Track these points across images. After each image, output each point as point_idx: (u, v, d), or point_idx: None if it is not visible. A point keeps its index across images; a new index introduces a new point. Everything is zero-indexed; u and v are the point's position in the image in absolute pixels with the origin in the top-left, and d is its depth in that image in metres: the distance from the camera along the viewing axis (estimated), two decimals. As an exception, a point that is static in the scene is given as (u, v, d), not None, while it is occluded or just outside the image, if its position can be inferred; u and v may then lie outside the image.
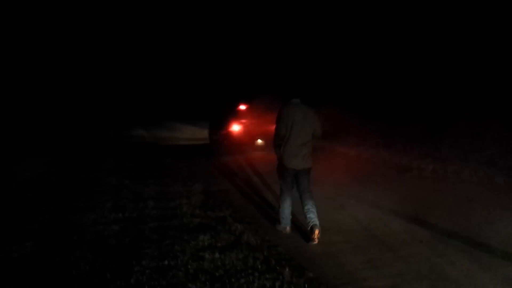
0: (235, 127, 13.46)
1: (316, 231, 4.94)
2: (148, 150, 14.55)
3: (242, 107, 14.90)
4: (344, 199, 7.12)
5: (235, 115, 14.10)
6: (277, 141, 5.44)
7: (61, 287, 3.64)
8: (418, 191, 7.71)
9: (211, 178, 9.21)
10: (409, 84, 14.32)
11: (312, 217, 5.08)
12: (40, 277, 3.80)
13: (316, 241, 4.93)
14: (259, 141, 13.59)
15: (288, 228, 5.35)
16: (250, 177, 9.46)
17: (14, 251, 4.36)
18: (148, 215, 5.79)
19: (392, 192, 7.60)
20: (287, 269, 3.93)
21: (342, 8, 18.67)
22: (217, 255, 4.24)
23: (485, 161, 9.31)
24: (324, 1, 20.23)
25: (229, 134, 13.62)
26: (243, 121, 13.73)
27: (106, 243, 4.66)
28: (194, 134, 20.66)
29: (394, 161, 10.73)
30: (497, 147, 9.72)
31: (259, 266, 4.01)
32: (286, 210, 5.36)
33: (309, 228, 5.03)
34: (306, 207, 5.20)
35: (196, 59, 38.13)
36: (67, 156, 12.62)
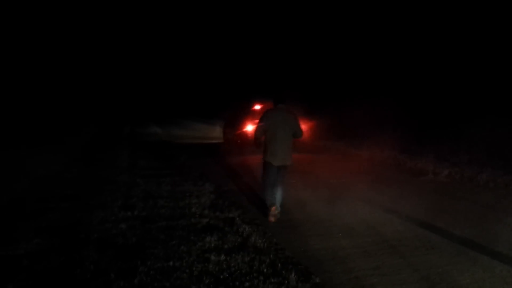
0: (250, 127, 13.42)
1: (273, 208, 5.85)
2: (161, 148, 14.60)
3: (257, 107, 14.88)
4: (356, 202, 7.01)
5: (250, 115, 14.08)
6: (255, 141, 6.28)
7: (63, 287, 3.64)
8: (432, 196, 7.55)
9: (223, 178, 9.18)
10: (425, 87, 14.10)
11: (277, 198, 5.98)
12: (43, 276, 3.81)
13: (272, 219, 5.82)
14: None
15: (272, 217, 5.90)
16: (259, 177, 9.39)
17: (21, 248, 4.39)
18: (157, 214, 5.78)
19: (406, 196, 7.46)
20: (293, 274, 3.86)
21: (361, 12, 18.48)
22: (222, 257, 4.20)
23: (502, 167, 9.10)
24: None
25: (244, 134, 13.60)
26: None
27: (113, 242, 4.66)
28: (208, 132, 20.68)
29: (409, 165, 10.57)
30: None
31: (265, 270, 3.95)
32: (270, 196, 6.00)
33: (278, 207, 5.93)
34: (276, 194, 6.00)
35: (213, 58, 38.26)
36: (83, 152, 12.74)
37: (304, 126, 14.02)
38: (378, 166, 11.22)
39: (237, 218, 5.64)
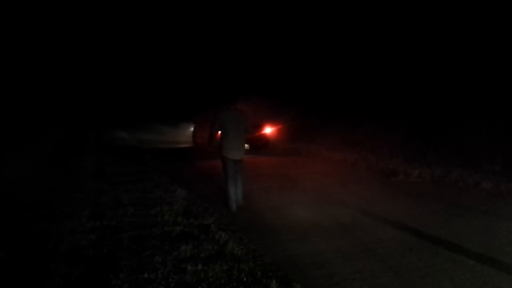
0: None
1: (233, 206, 6.68)
2: (129, 153, 14.22)
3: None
4: (330, 205, 6.97)
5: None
6: (209, 138, 6.89)
7: (31, 304, 3.38)
8: (405, 196, 7.61)
9: (195, 183, 8.98)
10: (393, 89, 14.29)
11: (239, 188, 6.81)
12: (9, 292, 3.54)
13: (234, 207, 6.65)
14: (245, 145, 13.43)
15: (234, 207, 6.68)
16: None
17: (-17, 263, 4.08)
18: (127, 223, 5.53)
19: (379, 197, 7.48)
20: (274, 282, 3.72)
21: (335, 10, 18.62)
22: (200, 266, 4.01)
23: (471, 167, 9.29)
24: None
25: (216, 138, 13.40)
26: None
27: (83, 253, 4.39)
28: (178, 137, 20.39)
29: (380, 166, 10.65)
30: (483, 152, 9.70)
31: (245, 279, 3.79)
32: (231, 192, 6.71)
33: (237, 200, 6.77)
34: (237, 185, 6.80)
35: (183, 61, 37.89)
36: (49, 158, 12.24)
37: (271, 129, 14.12)
38: (350, 167, 11.28)
39: (212, 225, 5.46)
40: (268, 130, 14.12)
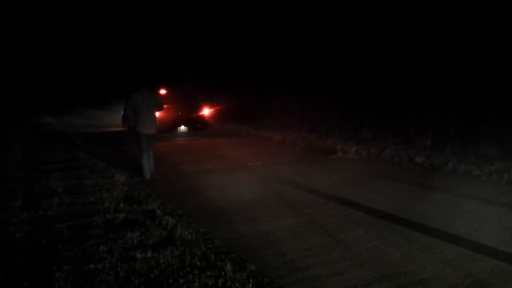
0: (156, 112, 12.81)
1: (148, 174, 7.61)
2: (58, 139, 13.39)
3: (162, 91, 14.31)
4: (277, 184, 6.99)
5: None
6: (124, 117, 7.98)
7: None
8: (345, 173, 7.81)
9: (133, 168, 8.62)
10: (328, 70, 14.57)
11: (151, 163, 7.74)
12: None
13: (148, 176, 7.58)
14: (182, 127, 13.15)
15: (148, 175, 7.60)
16: (176, 164, 9.02)
17: None
18: (65, 212, 5.18)
19: (321, 175, 7.63)
20: (228, 264, 3.65)
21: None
22: (149, 253, 3.84)
23: (404, 143, 9.73)
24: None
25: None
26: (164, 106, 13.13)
27: (20, 247, 4.05)
28: (108, 120, 19.54)
29: (318, 145, 10.86)
30: (414, 129, 10.20)
31: (198, 263, 3.68)
32: (145, 163, 7.63)
33: (151, 170, 7.71)
34: (150, 156, 7.71)
35: (111, 43, 36.33)
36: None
37: (209, 110, 13.95)
38: (290, 147, 11.42)
39: (158, 210, 5.26)
40: (207, 111, 13.91)
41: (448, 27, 10.49)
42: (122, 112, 8.12)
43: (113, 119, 19.22)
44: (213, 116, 15.88)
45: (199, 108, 13.86)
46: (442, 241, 4.30)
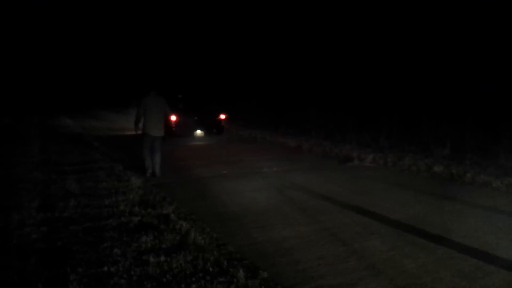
0: (173, 117, 12.90)
1: (149, 170, 8.15)
2: (76, 141, 13.56)
3: (179, 95, 14.42)
4: (290, 190, 6.96)
5: (173, 105, 13.57)
6: (136, 120, 8.29)
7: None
8: (361, 181, 7.73)
9: (150, 172, 8.65)
10: (346, 78, 14.52)
11: (157, 161, 8.17)
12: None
13: (149, 172, 8.10)
14: (199, 132, 13.19)
15: (149, 171, 8.14)
16: (191, 169, 9.04)
17: None
18: (81, 214, 5.24)
19: (336, 182, 7.56)
20: (240, 270, 3.63)
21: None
22: (162, 258, 3.85)
23: (422, 151, 9.59)
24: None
25: (167, 124, 13.03)
26: (181, 110, 13.22)
27: (35, 247, 4.10)
28: (126, 123, 19.69)
29: (335, 151, 10.78)
30: (432, 138, 10.06)
31: (210, 269, 3.68)
32: (148, 161, 8.17)
33: (155, 170, 8.17)
34: (155, 160, 8.16)
35: (131, 47, 36.91)
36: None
37: (225, 116, 13.96)
38: (306, 153, 11.35)
39: (172, 214, 5.28)
40: (223, 116, 13.94)
41: (468, 34, 10.36)
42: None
43: (131, 122, 19.38)
44: (229, 121, 15.90)
45: (215, 113, 13.90)
46: (458, 253, 4.22)
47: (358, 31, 15.45)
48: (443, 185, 7.38)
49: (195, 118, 13.33)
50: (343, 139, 12.17)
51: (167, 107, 8.40)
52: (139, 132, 8.32)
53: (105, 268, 3.62)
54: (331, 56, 15.98)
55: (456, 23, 10.58)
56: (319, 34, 17.17)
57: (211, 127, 13.58)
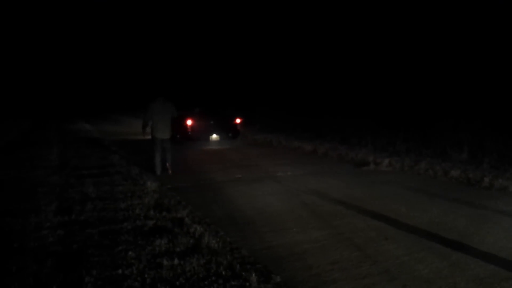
0: (189, 122, 13.01)
1: (167, 164, 8.91)
2: (93, 145, 13.77)
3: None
4: (304, 195, 6.94)
5: (189, 110, 13.70)
6: (143, 124, 8.99)
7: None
8: (377, 185, 7.67)
9: (165, 175, 8.75)
10: (363, 82, 14.45)
11: (168, 158, 8.88)
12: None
13: (158, 173, 8.71)
14: (214, 136, 13.25)
15: (158, 171, 8.71)
16: (206, 173, 9.09)
17: None
18: (97, 217, 5.31)
19: (351, 187, 7.51)
20: (253, 274, 3.64)
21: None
22: (176, 261, 3.88)
23: (439, 156, 9.48)
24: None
25: (183, 129, 13.16)
26: (196, 115, 13.34)
27: (51, 250, 4.17)
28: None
29: (350, 155, 10.72)
30: (449, 142, 9.92)
31: (223, 272, 3.69)
32: (158, 162, 8.77)
33: (166, 167, 8.90)
34: (166, 158, 8.86)
35: (147, 53, 37.50)
36: (9, 150, 11.69)
37: (241, 120, 13.99)
38: (321, 157, 11.31)
39: (186, 218, 5.31)
40: (239, 121, 13.98)
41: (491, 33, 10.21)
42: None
43: (148, 127, 19.59)
44: (245, 126, 15.94)
45: (231, 117, 13.95)
46: (474, 258, 4.15)
47: (374, 35, 15.40)
48: (460, 190, 7.28)
49: (211, 122, 13.40)
50: (359, 143, 12.09)
51: (174, 111, 8.93)
52: (147, 136, 8.94)
53: (120, 271, 3.67)
54: (347, 60, 15.94)
55: (477, 21, 10.44)
56: (335, 40, 17.15)
57: (227, 131, 13.64)
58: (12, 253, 4.06)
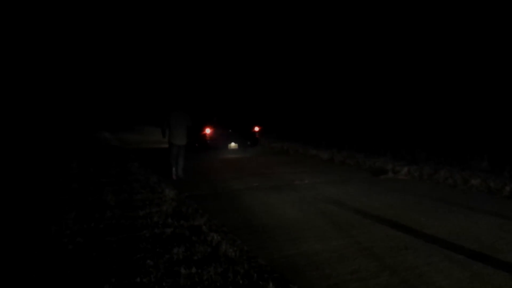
0: (208, 130, 13.09)
1: (174, 173, 9.55)
2: (113, 153, 13.94)
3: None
4: (322, 203, 6.90)
5: (208, 119, 13.78)
6: (162, 131, 9.75)
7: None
8: (395, 194, 7.58)
9: (183, 183, 8.81)
10: (378, 89, 14.35)
11: (180, 164, 9.61)
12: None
13: (174, 177, 9.44)
14: (233, 144, 13.29)
15: (175, 176, 9.48)
16: (223, 181, 9.11)
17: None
18: (116, 225, 5.37)
19: (370, 195, 7.44)
20: (270, 284, 3.63)
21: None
22: (194, 269, 3.89)
23: (458, 164, 9.32)
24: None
25: (202, 137, 13.25)
26: (215, 123, 13.41)
27: (71, 258, 4.23)
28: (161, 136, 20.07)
29: (368, 164, 10.63)
30: (470, 150, 9.76)
31: (241, 281, 3.69)
32: (174, 167, 9.54)
33: (178, 172, 9.59)
34: (179, 164, 9.59)
35: (167, 62, 38.03)
36: (29, 160, 11.91)
37: (259, 128, 14.02)
38: (339, 165, 11.24)
39: (204, 226, 5.33)
40: (257, 129, 14.00)
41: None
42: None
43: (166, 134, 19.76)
44: (262, 134, 15.96)
45: (249, 125, 13.98)
46: (495, 269, 4.07)
47: (392, 43, 15.32)
48: (480, 199, 7.14)
49: (229, 130, 13.46)
50: (377, 151, 11.98)
51: (189, 122, 9.73)
52: (166, 139, 9.84)
53: (138, 279, 3.69)
54: (367, 69, 15.85)
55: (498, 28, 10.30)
56: (355, 49, 17.09)
57: (246, 139, 13.66)
58: (32, 261, 4.12)
